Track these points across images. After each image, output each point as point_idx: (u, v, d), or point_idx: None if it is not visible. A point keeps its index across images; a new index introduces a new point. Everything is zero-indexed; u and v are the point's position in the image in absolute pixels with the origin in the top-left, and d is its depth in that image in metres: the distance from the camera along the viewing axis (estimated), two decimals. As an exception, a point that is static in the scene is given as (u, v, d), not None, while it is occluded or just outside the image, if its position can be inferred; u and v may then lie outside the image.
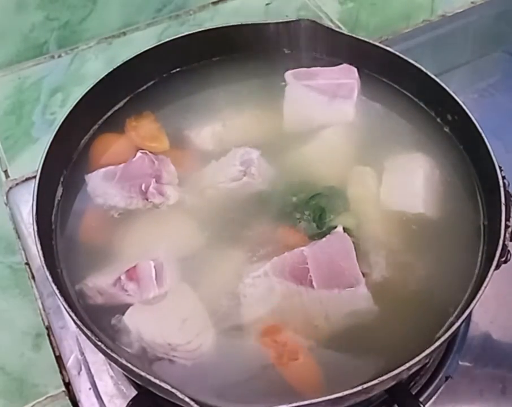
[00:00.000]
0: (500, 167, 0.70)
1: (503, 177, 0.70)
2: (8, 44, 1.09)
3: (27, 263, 0.88)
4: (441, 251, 0.71)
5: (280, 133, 0.82)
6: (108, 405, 0.74)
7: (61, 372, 0.78)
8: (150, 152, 0.76)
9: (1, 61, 1.10)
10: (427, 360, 0.73)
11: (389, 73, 0.86)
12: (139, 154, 0.76)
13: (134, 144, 0.80)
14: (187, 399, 0.55)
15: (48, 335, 0.82)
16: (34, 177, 0.71)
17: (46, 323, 0.82)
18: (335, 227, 0.69)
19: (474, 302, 0.62)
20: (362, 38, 0.85)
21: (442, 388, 0.75)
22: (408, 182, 0.76)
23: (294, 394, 0.61)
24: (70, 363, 0.77)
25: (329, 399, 0.56)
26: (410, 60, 0.82)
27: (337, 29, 0.88)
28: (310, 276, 0.65)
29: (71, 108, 0.76)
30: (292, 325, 0.65)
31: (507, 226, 0.66)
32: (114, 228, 0.73)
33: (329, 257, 0.66)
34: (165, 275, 0.67)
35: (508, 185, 0.70)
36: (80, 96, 0.78)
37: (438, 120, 0.82)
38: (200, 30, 0.87)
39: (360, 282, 0.65)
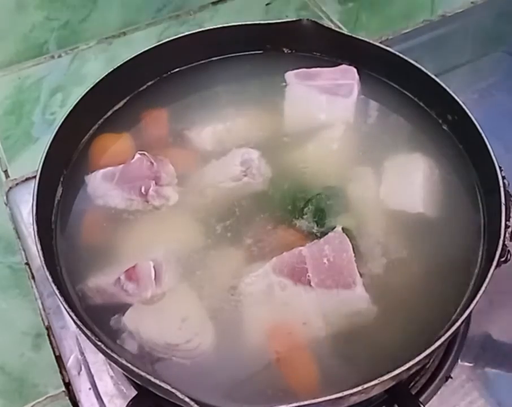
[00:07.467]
0: (500, 167, 0.70)
1: (503, 177, 0.70)
2: (8, 44, 1.09)
3: (27, 263, 0.87)
4: (440, 251, 0.71)
5: (280, 133, 0.82)
6: (108, 405, 0.74)
7: (61, 372, 0.78)
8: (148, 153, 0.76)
9: (1, 61, 1.09)
10: (427, 360, 0.73)
11: (389, 73, 0.86)
12: (137, 155, 0.76)
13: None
14: (187, 399, 0.55)
15: (48, 335, 0.81)
16: (34, 177, 0.71)
17: (46, 323, 0.82)
18: (335, 227, 0.69)
19: (474, 302, 0.62)
20: (362, 38, 0.85)
21: (442, 388, 0.75)
22: (408, 182, 0.76)
23: (293, 394, 0.61)
24: (70, 363, 0.77)
25: (329, 399, 0.56)
26: (410, 60, 0.82)
27: (337, 29, 0.88)
28: (308, 275, 0.65)
29: (71, 108, 0.77)
30: (291, 325, 0.64)
31: (507, 226, 0.66)
32: (114, 229, 0.73)
33: (327, 257, 0.66)
34: (164, 274, 0.67)
35: (508, 185, 0.70)
36: (80, 96, 0.78)
37: (439, 120, 0.82)
38: (200, 30, 0.87)
39: (358, 283, 0.65)
